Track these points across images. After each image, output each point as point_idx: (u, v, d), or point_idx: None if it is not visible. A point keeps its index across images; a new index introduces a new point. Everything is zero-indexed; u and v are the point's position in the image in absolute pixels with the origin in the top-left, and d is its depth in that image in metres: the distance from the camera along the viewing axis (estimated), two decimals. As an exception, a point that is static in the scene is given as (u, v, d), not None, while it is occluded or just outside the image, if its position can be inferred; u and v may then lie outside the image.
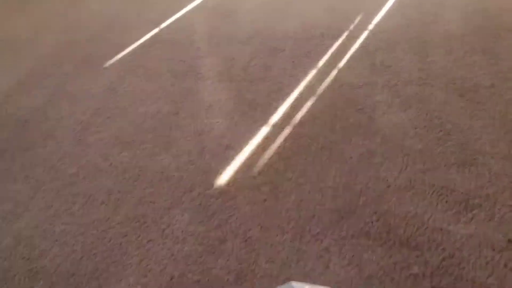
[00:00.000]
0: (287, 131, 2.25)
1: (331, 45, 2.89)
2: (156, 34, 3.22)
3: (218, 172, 2.05)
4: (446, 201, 1.81)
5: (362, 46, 2.85)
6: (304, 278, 1.58)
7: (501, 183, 1.86)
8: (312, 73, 2.66)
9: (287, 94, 2.50)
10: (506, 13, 3.04)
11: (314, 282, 1.56)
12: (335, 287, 1.57)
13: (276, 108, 2.41)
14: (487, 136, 2.09)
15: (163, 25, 3.32)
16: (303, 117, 2.33)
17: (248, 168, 2.06)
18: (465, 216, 1.74)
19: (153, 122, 2.40)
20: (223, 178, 2.02)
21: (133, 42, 3.14)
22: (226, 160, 2.11)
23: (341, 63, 2.71)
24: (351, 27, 3.07)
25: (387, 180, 1.93)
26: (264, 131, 2.27)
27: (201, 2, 3.59)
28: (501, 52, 2.66)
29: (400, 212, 1.78)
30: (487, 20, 2.98)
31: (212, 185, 1.99)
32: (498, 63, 2.58)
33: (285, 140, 2.20)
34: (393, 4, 3.28)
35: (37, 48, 3.24)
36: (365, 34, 2.97)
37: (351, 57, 2.76)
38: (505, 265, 1.57)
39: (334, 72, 2.64)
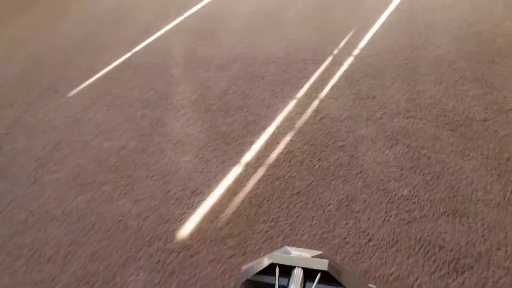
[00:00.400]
0: (261, 172, 2.05)
1: (314, 71, 2.70)
2: (129, 58, 3.02)
3: (181, 221, 1.85)
4: (434, 260, 1.61)
5: (346, 73, 2.66)
6: None
7: (496, 238, 1.66)
8: (292, 103, 2.46)
9: (264, 128, 2.30)
10: (500, 37, 2.85)
11: None
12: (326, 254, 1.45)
13: (251, 144, 2.21)
14: (479, 180, 1.89)
15: (137, 48, 3.12)
16: (279, 155, 2.13)
17: (215, 216, 1.85)
18: (455, 280, 1.54)
19: (117, 160, 2.19)
20: (186, 229, 1.81)
21: (103, 67, 2.94)
22: (191, 207, 1.90)
23: (323, 93, 2.51)
24: (336, 51, 2.88)
25: (368, 233, 1.72)
26: (235, 171, 2.07)
27: (180, 21, 3.40)
28: (495, 80, 2.47)
29: (381, 274, 1.57)
30: (480, 44, 2.79)
31: (174, 237, 1.79)
32: (491, 92, 2.39)
33: (258, 182, 2.00)
34: (382, 26, 3.09)
35: (1, 74, 3.03)
36: (350, 60, 2.78)
37: (334, 86, 2.56)
38: None
39: (315, 103, 2.44)
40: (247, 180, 2.02)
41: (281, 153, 2.14)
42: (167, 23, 3.37)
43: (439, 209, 1.79)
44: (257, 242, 1.74)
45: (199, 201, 1.93)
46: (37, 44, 3.39)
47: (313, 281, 1.29)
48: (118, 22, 3.47)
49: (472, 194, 1.84)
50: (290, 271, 1.32)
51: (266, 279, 1.57)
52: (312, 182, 1.97)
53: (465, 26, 3.00)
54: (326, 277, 1.36)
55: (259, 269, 1.68)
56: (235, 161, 2.12)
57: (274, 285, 1.42)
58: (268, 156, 2.13)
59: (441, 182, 1.91)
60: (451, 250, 1.64)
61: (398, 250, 1.65)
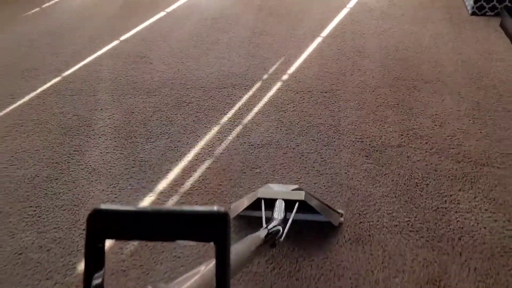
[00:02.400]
0: (173, 201, 2.02)
1: (241, 96, 2.71)
2: (56, 83, 2.96)
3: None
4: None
5: (272, 98, 2.68)
6: None
7: (394, 266, 1.67)
8: (215, 129, 2.45)
9: (183, 155, 2.28)
10: (424, 63, 2.93)
11: None
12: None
13: (167, 172, 2.18)
14: (386, 206, 1.91)
15: (67, 72, 3.07)
16: (195, 183, 2.11)
17: (120, 248, 1.81)
18: (348, 309, 1.53)
19: (27, 189, 2.13)
20: (88, 261, 1.75)
21: (28, 92, 2.87)
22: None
23: (247, 118, 2.52)
24: (265, 76, 2.90)
25: (271, 262, 1.71)
26: (147, 200, 2.03)
27: (115, 46, 3.37)
28: (414, 107, 2.53)
29: (276, 306, 1.56)
30: (404, 71, 2.87)
31: (74, 270, 1.73)
32: (409, 118, 2.44)
33: (169, 211, 1.96)
34: (313, 51, 3.14)
35: None
36: (278, 85, 2.80)
37: (259, 111, 2.57)
38: None
39: (238, 129, 2.45)
40: (158, 209, 1.98)
41: (196, 180, 2.12)
42: (101, 48, 3.34)
43: (344, 237, 1.80)
44: (160, 275, 1.70)
45: (105, 232, 1.88)
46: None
47: (293, 211, 1.61)
48: (51, 45, 3.42)
49: (377, 221, 1.86)
50: (273, 204, 1.69)
51: (253, 213, 1.81)
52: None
53: (392, 53, 3.07)
54: (304, 206, 1.68)
55: (247, 205, 1.81)
56: (148, 190, 2.09)
57: (261, 217, 1.65)
58: (182, 184, 2.11)
59: (349, 209, 1.92)
60: (349, 278, 1.64)
61: (298, 279, 1.64)
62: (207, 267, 0.87)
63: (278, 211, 1.64)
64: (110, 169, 2.22)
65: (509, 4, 3.37)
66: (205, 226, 0.61)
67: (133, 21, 3.73)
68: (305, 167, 2.15)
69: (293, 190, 1.77)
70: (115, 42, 3.42)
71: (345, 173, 2.11)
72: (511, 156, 2.14)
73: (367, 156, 2.20)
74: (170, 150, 2.32)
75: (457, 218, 1.85)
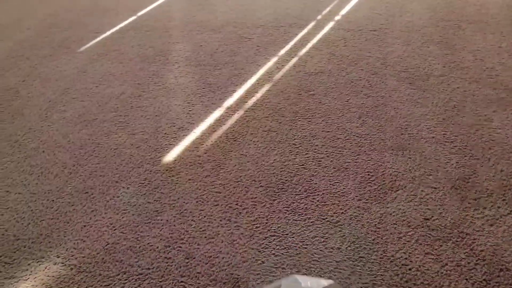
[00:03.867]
0: (238, 114, 2.37)
1: (296, 34, 2.99)
2: (132, 21, 3.34)
3: (167, 150, 2.18)
4: (373, 182, 1.92)
5: (325, 36, 2.94)
6: (233, 246, 1.70)
7: (429, 166, 1.96)
8: (273, 60, 2.76)
9: (246, 80, 2.61)
10: (469, 6, 3.10)
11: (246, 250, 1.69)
12: (340, 283, 1.54)
13: (232, 92, 2.52)
14: (425, 123, 2.18)
15: (141, 12, 3.44)
16: (256, 101, 2.44)
17: (196, 147, 2.18)
18: (389, 195, 1.85)
19: (116, 103, 2.52)
20: (171, 156, 2.14)
21: (110, 28, 3.26)
22: (176, 140, 2.23)
23: (302, 52, 2.81)
24: (319, 17, 3.16)
25: (322, 161, 2.04)
26: (217, 113, 2.39)
27: (181, -10, 3.70)
28: (457, 43, 2.74)
29: (326, 191, 1.89)
30: (450, 12, 3.05)
31: (160, 162, 2.12)
32: (453, 53, 2.66)
33: (236, 122, 2.31)
34: (364, -5, 3.35)
35: (18, 33, 3.38)
36: (330, 25, 3.06)
37: (313, 46, 2.85)
38: (416, 241, 1.67)
39: (293, 60, 2.74)
40: (226, 120, 2.33)
41: (258, 99, 2.45)
42: (169, -9, 3.68)
43: (387, 145, 2.09)
44: (229, 166, 2.06)
45: (183, 136, 2.26)
46: (50, 8, 3.73)
47: None
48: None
49: (417, 133, 2.14)
50: None
51: None
52: (282, 121, 2.28)
53: (440, -3, 3.25)
54: None
55: None
56: (217, 106, 2.44)
57: None
58: (246, 102, 2.45)
59: (392, 124, 2.20)
60: (390, 175, 1.94)
61: (345, 174, 1.97)
62: None
63: None
64: (183, 89, 2.58)
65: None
66: None
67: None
68: (354, 91, 2.44)
69: (324, 286, 1.37)
70: (181, -13, 3.74)
71: (390, 96, 2.38)
72: (545, 85, 2.34)
73: (410, 83, 2.46)
74: (235, 76, 2.65)
75: (489, 133, 2.10)
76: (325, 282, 1.34)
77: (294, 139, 2.17)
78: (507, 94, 2.31)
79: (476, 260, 1.60)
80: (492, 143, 2.04)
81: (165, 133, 2.29)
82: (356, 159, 2.03)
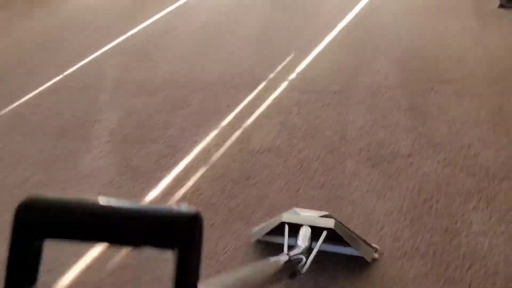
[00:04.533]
0: (161, 212, 1.90)
1: (244, 97, 2.57)
2: (57, 81, 2.89)
3: (63, 272, 1.70)
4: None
5: (277, 100, 2.53)
6: None
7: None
8: (214, 133, 2.32)
9: (177, 162, 2.17)
10: (444, 61, 2.72)
11: None
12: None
13: (159, 180, 2.08)
14: (389, 226, 1.75)
15: (69, 70, 2.99)
16: (186, 193, 1.99)
17: (100, 265, 1.71)
18: None
19: (18, 193, 2.04)
20: (67, 279, 1.67)
21: (30, 91, 2.81)
22: (78, 254, 1.76)
23: (248, 122, 2.38)
24: (271, 75, 2.74)
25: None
26: (135, 211, 1.92)
27: (119, 42, 3.27)
28: (429, 110, 2.34)
29: None
30: (422, 70, 2.67)
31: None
32: (423, 124, 2.26)
33: (156, 225, 1.85)
34: (325, 47, 2.96)
35: None
36: (284, 85, 2.65)
37: (262, 114, 2.43)
38: None
39: (237, 133, 2.31)
40: (145, 222, 1.87)
41: (188, 190, 2.01)
42: (105, 45, 3.24)
43: (341, 260, 1.65)
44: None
45: (86, 249, 1.79)
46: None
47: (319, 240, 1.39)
48: (56, 42, 3.35)
49: (379, 240, 1.69)
50: (298, 230, 1.48)
51: (275, 239, 1.60)
52: (213, 223, 1.82)
53: (411, 48, 2.87)
54: (332, 236, 1.46)
55: (269, 229, 1.62)
56: (138, 200, 1.98)
57: (283, 244, 1.45)
58: (174, 193, 2.00)
59: (349, 225, 1.76)
60: (342, 309, 1.49)
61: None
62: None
63: (303, 239, 1.44)
64: (100, 176, 2.15)
65: (542, -5, 3.10)
66: (167, 230, 0.44)
67: (140, 17, 3.62)
68: (305, 177, 2.00)
69: (321, 216, 1.57)
70: (121, 38, 3.32)
71: (348, 184, 1.95)
72: (534, 169, 1.93)
73: (373, 166, 2.03)
74: (165, 157, 2.21)
75: (468, 241, 1.67)
76: (323, 213, 1.57)
77: (225, 253, 1.71)
78: (488, 183, 1.89)
79: None
80: (473, 259, 1.60)
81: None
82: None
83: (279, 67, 2.81)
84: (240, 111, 2.47)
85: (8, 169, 2.21)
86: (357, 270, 1.57)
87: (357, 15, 3.29)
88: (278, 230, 1.54)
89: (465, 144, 2.10)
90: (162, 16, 3.60)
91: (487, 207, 1.79)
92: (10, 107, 2.69)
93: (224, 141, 2.27)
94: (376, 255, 1.61)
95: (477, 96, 2.40)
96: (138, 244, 0.44)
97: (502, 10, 3.18)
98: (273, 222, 1.63)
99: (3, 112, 2.65)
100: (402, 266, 1.60)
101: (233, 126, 2.37)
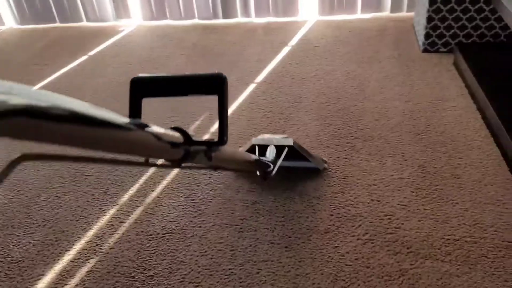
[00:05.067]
0: (34, 324, 1.58)
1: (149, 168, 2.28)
2: None
3: None
4: None
5: (184, 171, 2.25)
6: None
7: None
8: (110, 212, 2.03)
9: (63, 252, 1.85)
10: (367, 114, 2.56)
11: None
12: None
13: (38, 278, 1.75)
14: None
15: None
16: (68, 293, 1.68)
17: None
18: None
19: None
20: None
21: None
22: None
23: (152, 196, 2.10)
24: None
25: None
26: (2, 325, 1.59)
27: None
28: (350, 174, 2.14)
29: None
30: (344, 125, 2.49)
31: None
32: (343, 191, 2.06)
33: None
34: (242, 103, 2.75)
35: None
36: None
37: (168, 186, 2.16)
38: None
39: (138, 211, 2.03)
40: (12, 339, 1.54)
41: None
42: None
43: None
44: None
45: None
46: None
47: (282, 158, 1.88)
48: None
49: None
50: (265, 150, 1.94)
51: None
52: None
53: (332, 102, 2.70)
54: (292, 154, 1.94)
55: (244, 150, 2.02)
56: (8, 308, 1.65)
57: None
58: (53, 296, 1.68)
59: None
60: None
61: None
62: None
63: (270, 154, 1.91)
64: (-31, 275, 1.77)
65: (463, 40, 3.04)
66: (211, 84, 0.92)
67: (49, 68, 3.31)
68: (208, 272, 1.74)
69: (282, 138, 1.99)
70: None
71: (257, 273, 1.70)
72: (459, 243, 1.75)
73: (286, 247, 1.79)
74: (50, 245, 1.89)
75: None
76: (283, 135, 2.05)
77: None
78: (410, 263, 1.69)
79: None
80: None
81: None
82: None
83: (191, 129, 2.57)
84: (145, 183, 2.19)
85: None
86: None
87: (277, 65, 3.12)
88: (250, 151, 1.96)
89: (387, 214, 1.91)
90: (70, 69, 3.30)
91: (409, 296, 1.58)
92: None
93: (121, 222, 1.98)
94: (326, 165, 2.12)
95: (399, 154, 2.23)
96: (197, 94, 0.93)
97: (426, 55, 3.09)
98: (245, 146, 2.07)
99: None
100: None
101: (134, 202, 2.08)
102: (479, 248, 1.73)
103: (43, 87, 3.09)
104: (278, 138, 1.98)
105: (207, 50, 3.46)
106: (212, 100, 2.78)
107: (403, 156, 2.23)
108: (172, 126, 0.93)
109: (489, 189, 1.99)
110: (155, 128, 0.83)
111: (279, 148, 1.93)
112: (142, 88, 0.91)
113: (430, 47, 3.14)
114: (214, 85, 0.89)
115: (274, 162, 1.86)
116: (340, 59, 3.18)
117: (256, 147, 1.97)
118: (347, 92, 2.79)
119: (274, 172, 1.80)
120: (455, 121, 2.45)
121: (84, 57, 3.48)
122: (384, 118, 2.53)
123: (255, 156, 1.65)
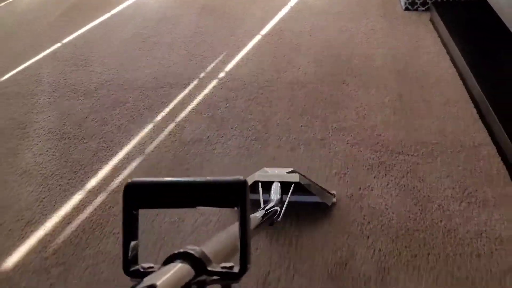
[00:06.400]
0: (101, 198, 2.08)
1: (177, 95, 2.77)
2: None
3: (8, 253, 1.83)
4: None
5: (207, 96, 2.75)
6: None
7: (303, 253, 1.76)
8: (148, 128, 2.51)
9: (114, 154, 2.34)
10: (355, 57, 3.06)
11: None
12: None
13: (97, 171, 2.24)
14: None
15: (3, 78, 3.07)
16: (123, 180, 2.17)
17: (44, 247, 1.86)
18: (257, 294, 1.62)
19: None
20: (11, 261, 1.80)
21: (-35, 97, 2.87)
22: (22, 238, 1.89)
23: (180, 116, 2.59)
24: (202, 74, 2.97)
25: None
26: (76, 199, 2.08)
27: (55, 49, 3.38)
28: (341, 100, 2.65)
29: None
30: (336, 66, 2.99)
31: (-3, 270, 1.77)
32: (335, 111, 2.56)
33: (96, 209, 2.02)
34: (250, 50, 3.22)
35: None
36: (213, 83, 2.88)
37: (193, 109, 2.65)
38: None
39: (170, 127, 2.51)
40: (86, 207, 2.03)
41: (124, 178, 2.18)
42: (42, 51, 3.35)
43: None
44: (80, 269, 1.75)
45: (31, 232, 1.93)
46: None
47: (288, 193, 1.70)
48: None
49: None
50: (269, 187, 1.75)
51: (252, 196, 1.73)
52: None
53: (326, 49, 3.19)
54: (298, 188, 1.79)
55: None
56: (77, 189, 2.14)
57: (259, 200, 1.70)
58: (111, 182, 2.17)
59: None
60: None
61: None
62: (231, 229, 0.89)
63: (275, 193, 1.71)
64: (41, 170, 2.26)
65: (439, 0, 3.53)
66: (229, 193, 0.69)
67: (77, 24, 3.74)
68: (231, 163, 2.23)
69: (287, 172, 1.87)
70: (57, 45, 3.43)
71: (270, 166, 2.20)
72: (425, 144, 2.27)
73: (292, 150, 2.29)
74: (102, 150, 2.37)
75: (369, 204, 1.96)
76: (288, 169, 1.86)
77: (160, 227, 1.90)
78: (387, 157, 2.20)
79: None
80: (372, 216, 1.90)
81: (9, 230, 1.94)
82: None
83: (209, 68, 3.05)
84: (174, 107, 2.67)
85: None
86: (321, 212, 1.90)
87: (279, 21, 3.59)
88: (252, 188, 1.79)
89: (371, 126, 2.42)
90: (96, 25, 3.73)
91: (385, 175, 2.10)
92: None
93: (158, 134, 2.46)
94: (334, 200, 1.95)
95: (382, 86, 2.73)
96: (210, 205, 0.70)
97: (407, 13, 3.57)
98: (248, 179, 1.72)
99: None
100: (311, 229, 1.86)
101: (166, 120, 2.57)
102: (440, 147, 2.25)
103: (74, 39, 3.53)
104: (283, 174, 1.84)
105: (216, 9, 3.92)
106: (224, 46, 3.20)
107: (385, 87, 2.74)
108: (181, 250, 0.66)
109: (452, 109, 2.51)
110: (157, 277, 0.60)
111: (285, 184, 1.76)
112: (139, 197, 0.71)
113: (410, 6, 3.64)
114: (233, 194, 0.67)
115: (280, 203, 1.64)
116: (333, 17, 3.66)
117: (260, 184, 1.77)
118: (338, 42, 3.27)
119: (280, 216, 1.57)
120: (428, 62, 2.96)
121: (107, 15, 3.91)
122: (370, 61, 3.02)
123: (260, 212, 1.42)
